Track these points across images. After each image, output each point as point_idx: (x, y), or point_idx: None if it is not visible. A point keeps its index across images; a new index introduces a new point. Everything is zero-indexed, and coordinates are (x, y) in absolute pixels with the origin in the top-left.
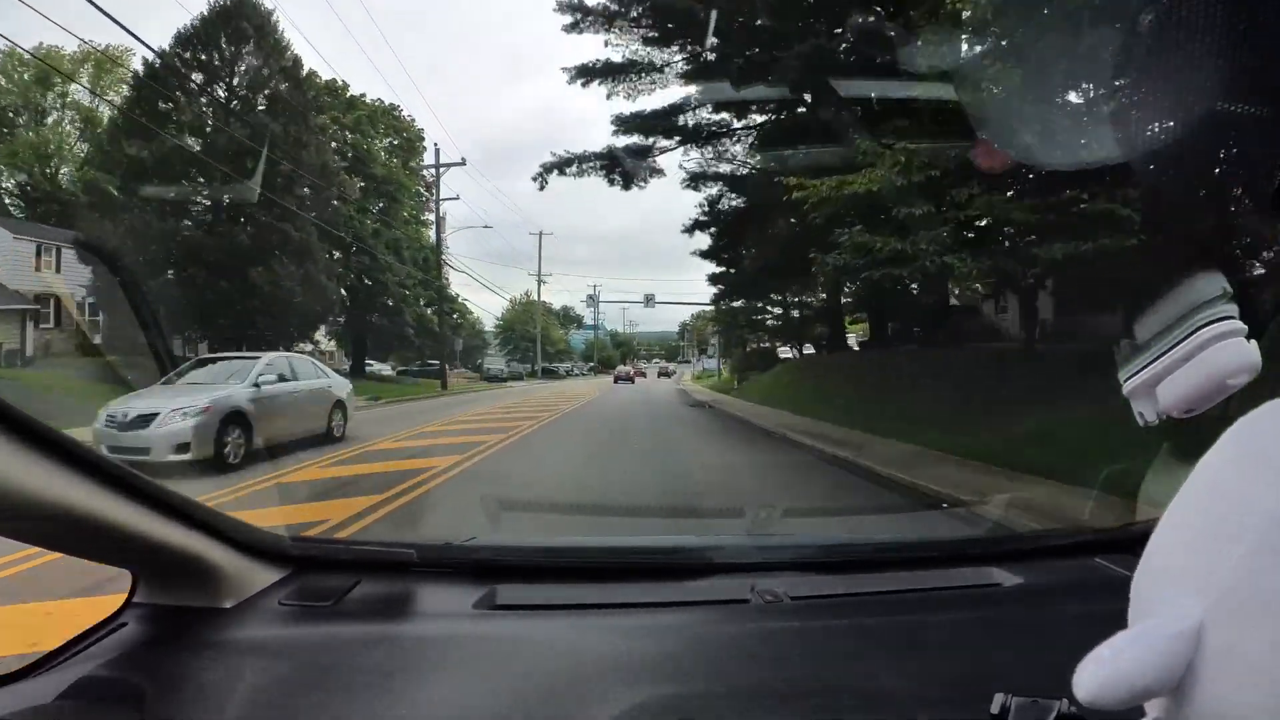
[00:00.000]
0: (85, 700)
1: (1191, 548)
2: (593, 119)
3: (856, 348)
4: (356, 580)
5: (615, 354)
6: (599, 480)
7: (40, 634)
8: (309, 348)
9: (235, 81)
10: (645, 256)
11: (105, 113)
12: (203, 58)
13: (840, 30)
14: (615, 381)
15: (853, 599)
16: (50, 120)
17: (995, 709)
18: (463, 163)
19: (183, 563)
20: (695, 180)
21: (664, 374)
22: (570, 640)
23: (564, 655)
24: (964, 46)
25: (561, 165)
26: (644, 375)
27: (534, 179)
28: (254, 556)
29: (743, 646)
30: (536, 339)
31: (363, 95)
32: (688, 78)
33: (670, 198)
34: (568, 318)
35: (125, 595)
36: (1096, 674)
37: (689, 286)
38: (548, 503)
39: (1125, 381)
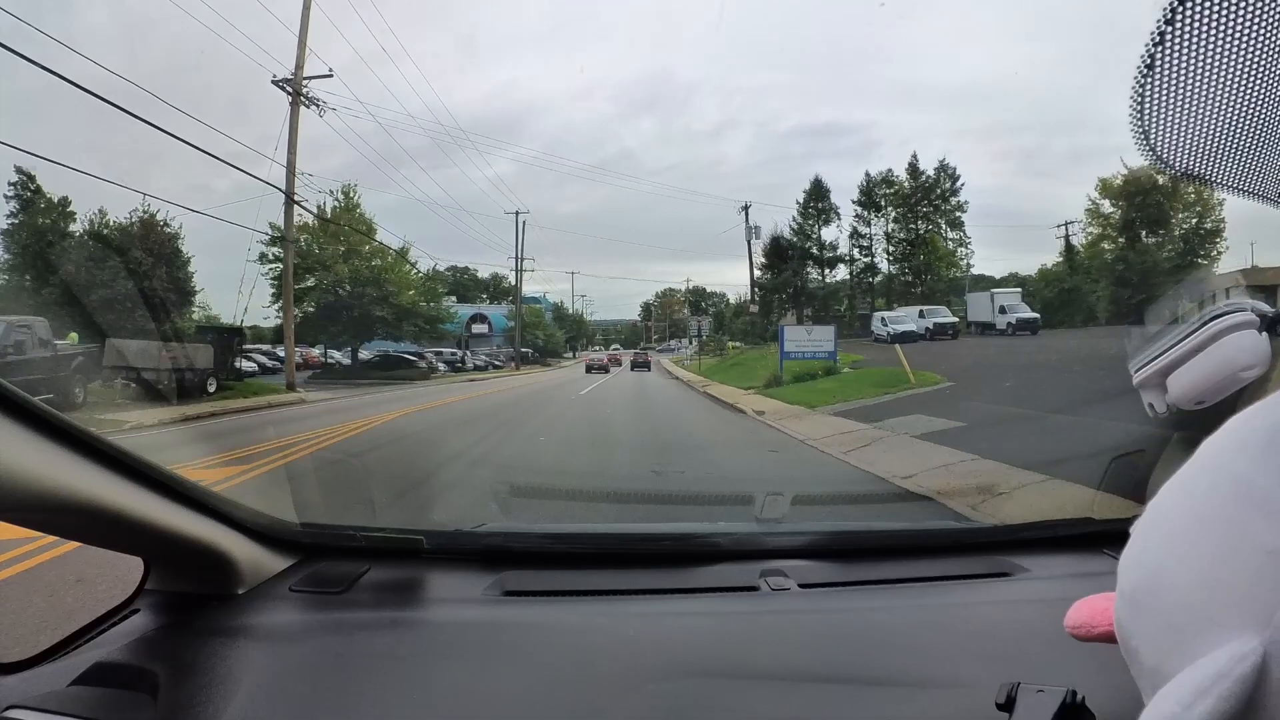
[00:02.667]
0: (99, 686)
1: (1240, 572)
2: (558, 100)
3: None
4: (367, 567)
5: (558, 336)
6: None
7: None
8: None
9: None
10: (611, 244)
11: None
12: None
13: None
14: (588, 371)
15: (861, 586)
16: None
17: (1001, 698)
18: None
19: (194, 550)
20: None
21: (640, 364)
22: (579, 626)
23: (573, 641)
24: None
25: None
26: (620, 364)
27: None
28: (265, 543)
29: (751, 633)
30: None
31: None
32: None
33: (635, 179)
34: (497, 290)
35: (138, 582)
36: None
37: (656, 282)
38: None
39: (1135, 372)
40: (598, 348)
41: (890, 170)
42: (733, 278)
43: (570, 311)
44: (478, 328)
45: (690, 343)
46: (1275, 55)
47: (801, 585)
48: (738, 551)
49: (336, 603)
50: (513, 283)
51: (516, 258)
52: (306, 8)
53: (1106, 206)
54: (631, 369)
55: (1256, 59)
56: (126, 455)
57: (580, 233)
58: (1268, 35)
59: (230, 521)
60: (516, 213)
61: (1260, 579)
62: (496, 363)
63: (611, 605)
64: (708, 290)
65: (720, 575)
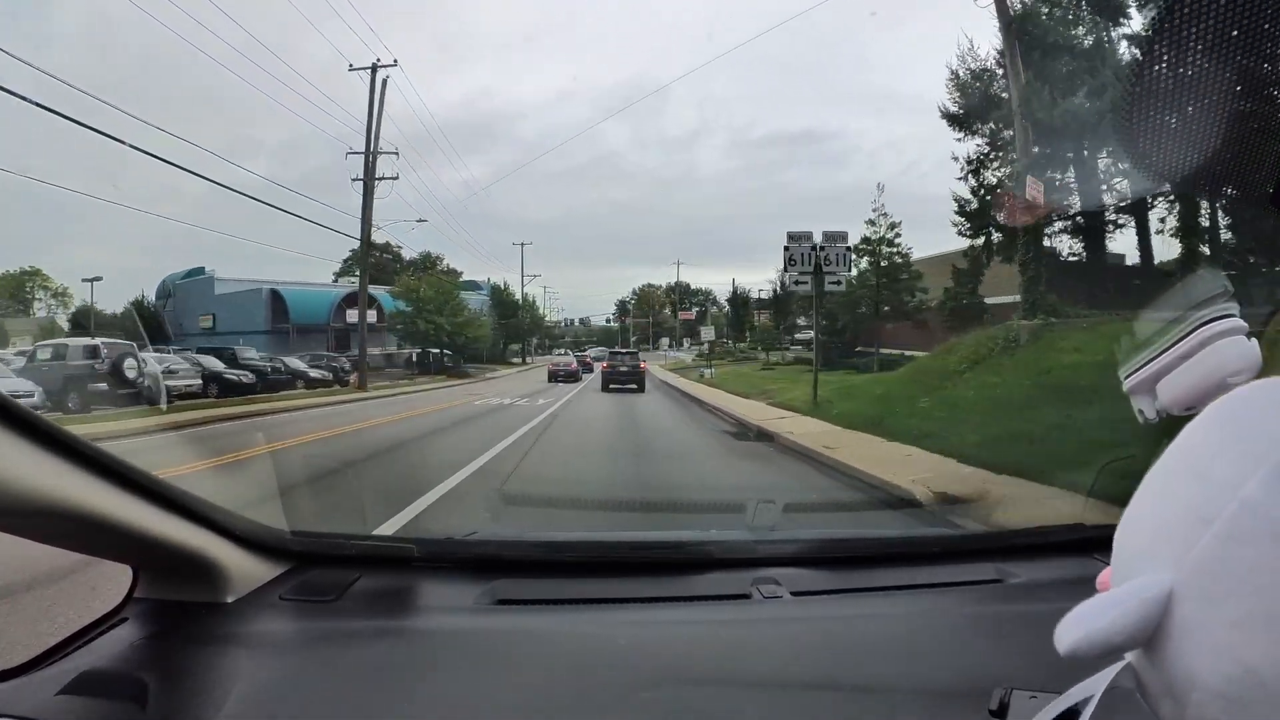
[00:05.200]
0: (86, 695)
1: (1169, 521)
2: (533, 106)
3: None
4: (358, 575)
5: (485, 331)
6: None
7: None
8: None
9: None
10: (586, 249)
11: None
12: None
13: None
14: (551, 380)
15: (853, 594)
16: None
17: (994, 705)
18: None
19: (183, 557)
20: None
21: (623, 375)
22: (571, 635)
23: (565, 650)
24: None
25: None
26: (590, 368)
27: None
28: (255, 551)
29: (743, 641)
30: None
31: None
32: None
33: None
34: (429, 267)
35: (126, 590)
36: (1076, 632)
37: (620, 283)
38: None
39: (1125, 378)
40: (563, 351)
41: None
42: (715, 280)
43: (519, 298)
44: (357, 315)
45: (718, 332)
46: (1257, 66)
47: (793, 593)
48: (730, 559)
49: (327, 611)
50: (452, 266)
51: (366, 151)
52: None
53: None
54: (605, 387)
55: (1239, 70)
56: (113, 460)
57: (557, 235)
58: (1250, 47)
59: (220, 528)
60: (372, 66)
61: (1180, 528)
62: (311, 372)
63: (603, 614)
64: (692, 287)
65: (712, 583)
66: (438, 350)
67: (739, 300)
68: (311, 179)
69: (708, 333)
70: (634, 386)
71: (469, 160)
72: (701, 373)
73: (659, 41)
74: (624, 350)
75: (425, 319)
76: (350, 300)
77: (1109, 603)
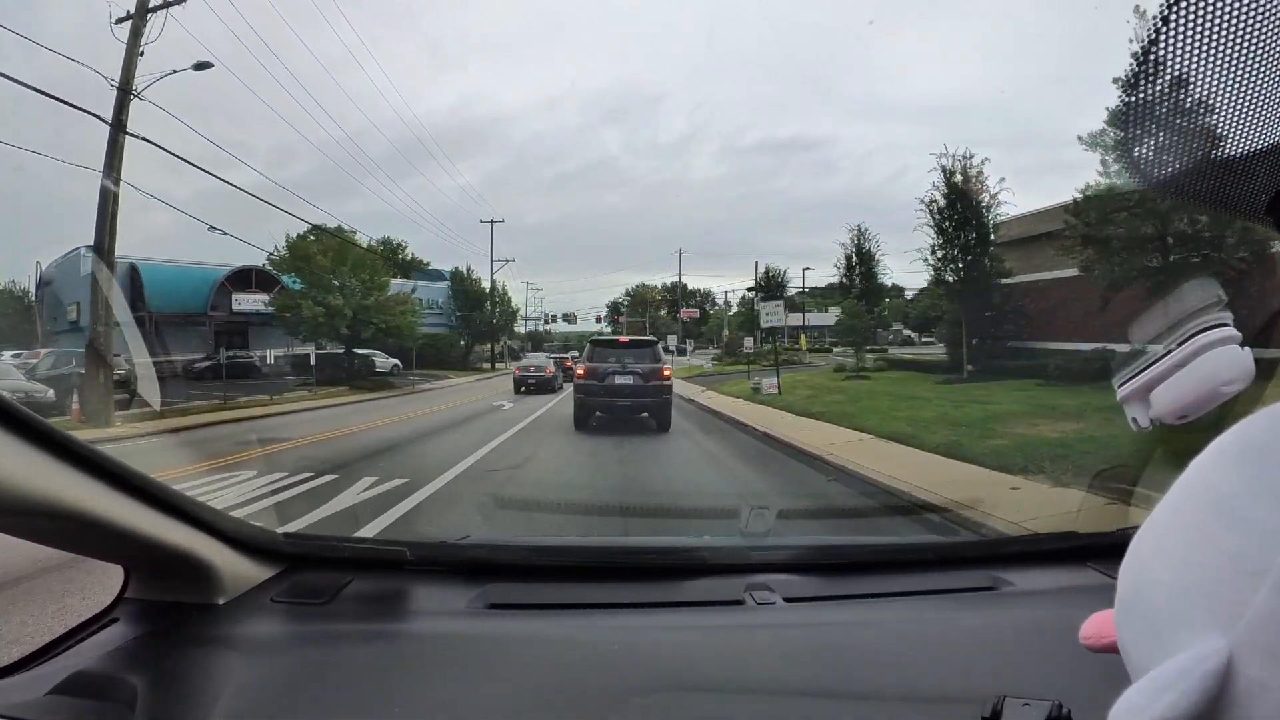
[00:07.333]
0: (76, 695)
1: (1208, 574)
2: (524, 112)
3: None
4: (350, 578)
5: (408, 320)
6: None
7: None
8: None
9: None
10: (575, 255)
11: None
12: None
13: None
14: (519, 390)
15: (847, 600)
16: None
17: (987, 712)
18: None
19: (175, 558)
20: None
21: (626, 394)
22: (563, 640)
23: (557, 655)
24: None
25: None
26: (572, 374)
27: None
28: (247, 553)
29: (736, 647)
30: None
31: None
32: None
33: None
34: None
35: (118, 590)
36: None
37: (612, 289)
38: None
39: (1120, 387)
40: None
41: None
42: (710, 283)
43: (489, 288)
44: (94, 281)
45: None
46: (1257, 74)
47: (786, 599)
48: (723, 565)
49: (319, 614)
50: (417, 256)
51: None
52: None
53: None
54: (581, 424)
55: (1239, 78)
56: (106, 460)
57: (548, 240)
58: (1250, 54)
59: (212, 530)
60: None
61: (1223, 582)
62: None
63: (596, 619)
64: (689, 288)
65: (705, 589)
66: (345, 350)
67: (774, 287)
68: None
69: (773, 314)
70: (646, 415)
71: (461, 166)
72: (756, 386)
73: (654, 48)
74: (624, 342)
75: (313, 300)
76: (238, 280)
77: (1164, 683)
